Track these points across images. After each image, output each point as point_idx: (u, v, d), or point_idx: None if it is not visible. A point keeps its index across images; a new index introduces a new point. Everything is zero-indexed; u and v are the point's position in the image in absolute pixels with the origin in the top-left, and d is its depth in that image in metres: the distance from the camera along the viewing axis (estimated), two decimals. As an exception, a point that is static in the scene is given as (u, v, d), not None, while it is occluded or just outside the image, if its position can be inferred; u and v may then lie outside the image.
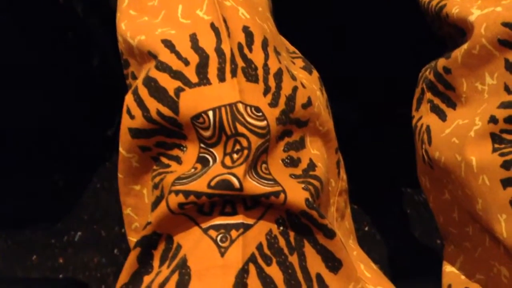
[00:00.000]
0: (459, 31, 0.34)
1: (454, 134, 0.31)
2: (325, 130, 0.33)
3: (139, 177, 0.31)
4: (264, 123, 0.27)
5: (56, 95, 0.73)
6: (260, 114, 0.27)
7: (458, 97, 0.33)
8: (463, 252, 0.34)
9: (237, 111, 0.27)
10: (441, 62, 0.34)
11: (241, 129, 0.26)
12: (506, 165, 0.28)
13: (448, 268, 0.35)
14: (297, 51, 0.37)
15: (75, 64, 0.72)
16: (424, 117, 0.36)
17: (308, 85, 0.32)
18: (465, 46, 0.31)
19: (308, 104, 0.31)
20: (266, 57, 0.30)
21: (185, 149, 0.28)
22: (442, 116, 0.34)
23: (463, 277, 0.34)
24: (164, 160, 0.29)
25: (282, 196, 0.26)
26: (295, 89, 0.30)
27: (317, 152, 0.32)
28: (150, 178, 0.30)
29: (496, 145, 0.29)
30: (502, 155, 0.28)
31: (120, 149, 0.30)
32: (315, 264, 0.27)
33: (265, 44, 0.30)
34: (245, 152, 0.26)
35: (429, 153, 0.34)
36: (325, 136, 0.33)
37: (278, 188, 0.26)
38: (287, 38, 0.37)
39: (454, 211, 0.34)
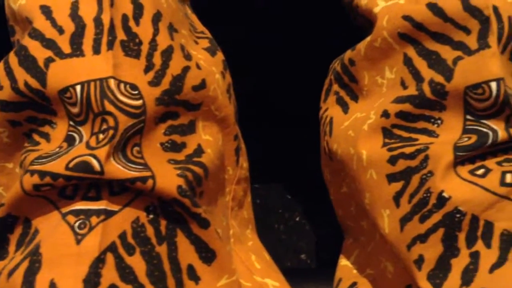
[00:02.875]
0: (367, 22, 0.33)
1: (351, 127, 0.31)
2: (222, 115, 0.31)
3: (11, 155, 0.28)
4: (139, 102, 0.25)
5: None
6: (136, 92, 0.26)
7: (360, 90, 0.32)
8: (359, 247, 0.34)
9: (107, 87, 0.25)
10: (348, 53, 0.33)
11: (109, 107, 0.24)
12: (392, 160, 0.28)
13: (343, 262, 0.35)
14: (206, 32, 0.35)
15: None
16: (330, 108, 0.35)
17: (205, 66, 0.30)
18: (368, 38, 0.31)
19: (201, 86, 0.29)
20: (156, 32, 0.28)
21: (55, 126, 0.26)
22: (345, 109, 0.33)
23: (354, 271, 0.33)
24: (36, 137, 0.27)
25: (150, 182, 0.24)
26: (186, 69, 0.28)
27: (209, 138, 0.30)
28: None
29: (386, 140, 0.28)
30: (390, 150, 0.28)
31: None
32: (187, 254, 0.25)
33: (156, 19, 0.28)
34: (111, 132, 0.24)
35: (329, 144, 0.33)
36: (222, 122, 0.32)
37: (146, 174, 0.24)
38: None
39: (351, 205, 0.34)
